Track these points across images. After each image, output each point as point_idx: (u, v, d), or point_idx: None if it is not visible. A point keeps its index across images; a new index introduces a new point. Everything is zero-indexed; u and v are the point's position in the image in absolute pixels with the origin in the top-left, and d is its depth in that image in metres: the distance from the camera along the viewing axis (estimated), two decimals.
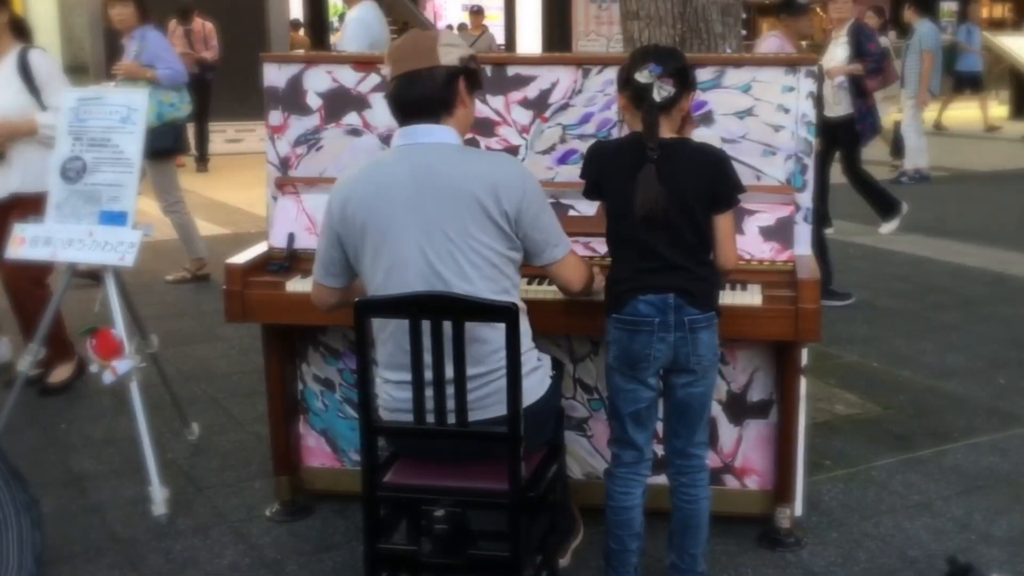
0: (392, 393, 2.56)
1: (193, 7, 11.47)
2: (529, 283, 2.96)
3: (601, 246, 2.91)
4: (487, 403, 2.48)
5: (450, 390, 2.39)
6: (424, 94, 2.52)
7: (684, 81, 2.65)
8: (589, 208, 2.99)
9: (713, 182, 2.64)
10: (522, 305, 2.61)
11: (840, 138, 7.06)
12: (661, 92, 2.60)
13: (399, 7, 17.15)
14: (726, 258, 2.71)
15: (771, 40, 5.98)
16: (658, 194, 2.57)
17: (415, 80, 2.53)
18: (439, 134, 2.54)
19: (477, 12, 14.98)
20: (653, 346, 2.64)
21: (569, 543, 3.09)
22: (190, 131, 12.02)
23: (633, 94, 2.64)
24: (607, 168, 2.69)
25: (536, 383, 2.60)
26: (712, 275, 2.70)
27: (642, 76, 2.60)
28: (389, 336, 2.53)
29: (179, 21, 11.42)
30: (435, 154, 2.52)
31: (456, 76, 2.55)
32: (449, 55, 2.53)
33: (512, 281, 2.56)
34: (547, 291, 2.93)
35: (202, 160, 11.98)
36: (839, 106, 7.05)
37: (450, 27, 17.03)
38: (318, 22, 16.57)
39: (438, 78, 2.52)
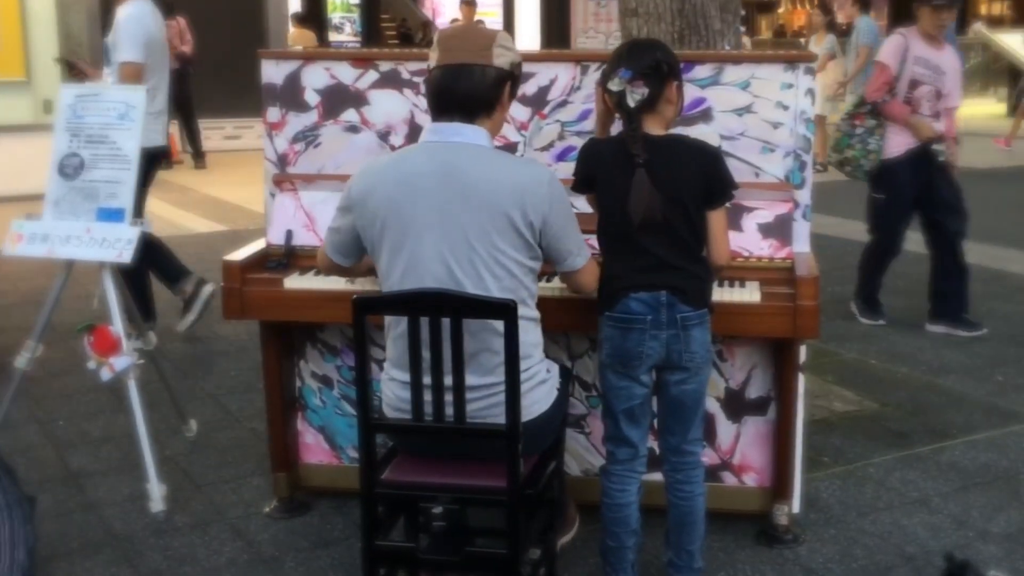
0: (398, 392, 2.55)
1: (174, 3, 11.44)
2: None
3: None
4: (495, 412, 2.47)
5: (450, 389, 2.38)
6: (471, 91, 2.48)
7: (660, 76, 2.63)
8: (588, 205, 2.99)
9: (706, 178, 2.64)
10: (537, 315, 2.60)
11: None
12: (634, 96, 2.59)
13: (397, 3, 17.14)
14: (719, 254, 2.71)
15: (894, 39, 5.37)
16: (652, 200, 2.56)
17: (464, 74, 2.48)
18: (469, 134, 2.50)
19: (469, 3, 14.21)
20: (645, 344, 2.63)
21: (559, 537, 3.08)
22: (176, 129, 12.03)
23: (613, 100, 2.65)
24: (602, 166, 2.68)
25: (543, 396, 2.60)
26: (705, 272, 2.70)
27: (613, 84, 2.61)
28: (401, 334, 2.50)
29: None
30: (464, 155, 2.48)
31: (505, 80, 2.53)
32: (503, 57, 2.50)
33: (529, 291, 2.55)
34: (545, 288, 2.92)
35: (198, 156, 11.96)
36: None
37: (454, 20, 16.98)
38: (317, 18, 16.56)
39: (488, 77, 2.49)
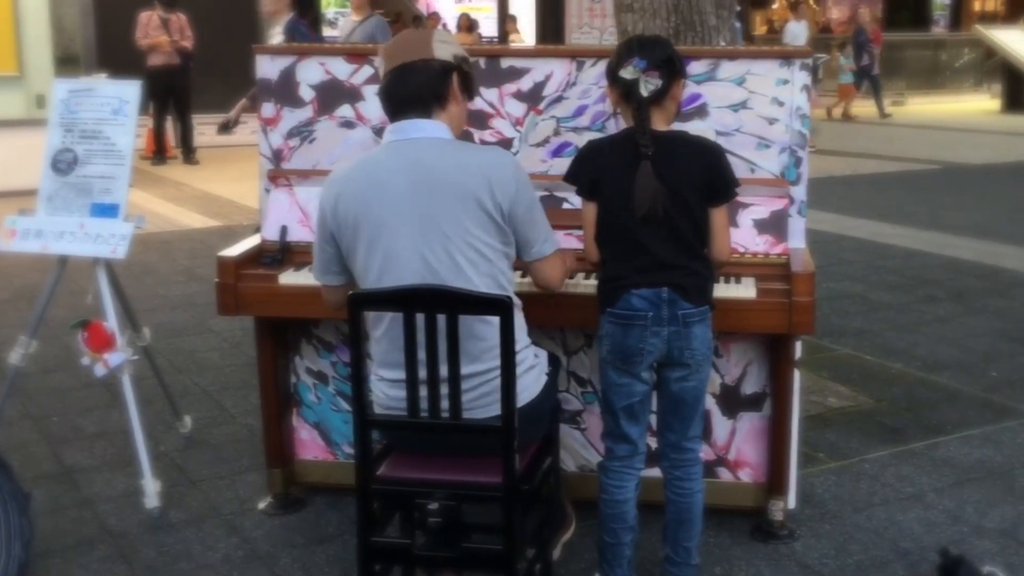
0: (387, 392, 2.55)
1: None
2: (523, 276, 2.95)
3: None
4: (485, 402, 2.47)
5: (445, 386, 2.38)
6: (418, 86, 2.51)
7: (671, 70, 2.64)
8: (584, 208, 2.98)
9: (709, 175, 2.63)
10: (517, 301, 2.60)
11: None
12: (648, 86, 2.59)
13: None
14: (719, 251, 2.71)
15: None
16: (656, 191, 2.56)
17: (409, 72, 2.51)
18: (430, 128, 2.52)
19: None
20: (646, 340, 2.63)
21: (560, 536, 3.08)
22: (169, 124, 11.98)
23: (621, 90, 2.64)
24: (604, 166, 2.67)
25: (532, 381, 2.59)
26: (706, 269, 2.70)
27: (627, 72, 2.60)
28: (384, 333, 2.51)
29: (163, 10, 11.36)
30: (427, 148, 2.50)
31: (450, 70, 2.54)
32: (444, 50, 2.53)
33: (507, 277, 2.55)
34: None
35: (188, 152, 11.90)
36: None
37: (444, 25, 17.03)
38: (311, 14, 16.53)
39: (432, 70, 2.51)
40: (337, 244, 2.56)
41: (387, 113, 2.59)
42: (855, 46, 17.04)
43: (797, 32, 16.11)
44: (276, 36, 6.47)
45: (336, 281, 2.63)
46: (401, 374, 2.42)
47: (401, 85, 2.52)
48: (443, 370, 2.36)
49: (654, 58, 2.60)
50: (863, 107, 17.10)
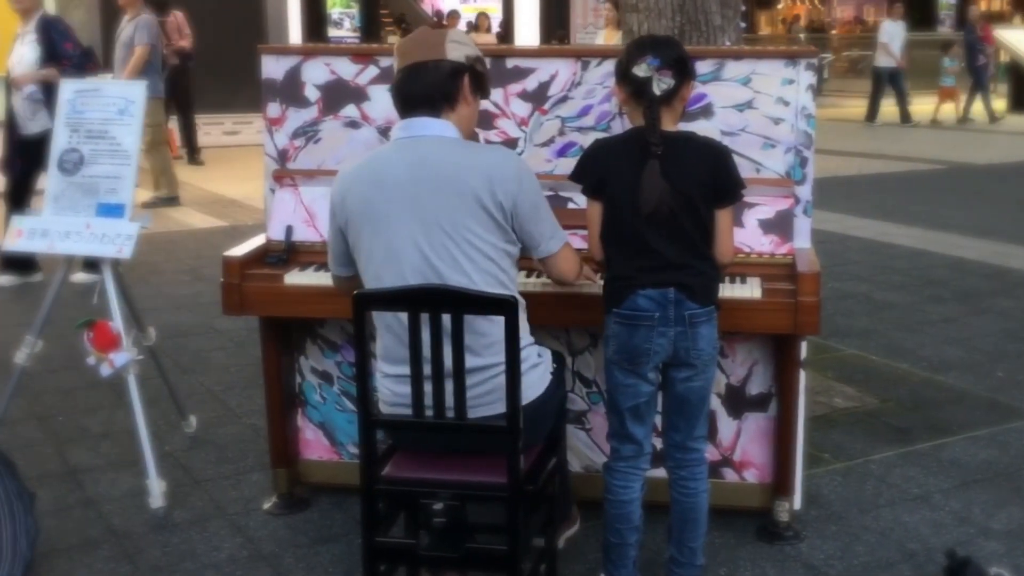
0: (391, 388, 2.55)
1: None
2: (528, 276, 2.95)
3: None
4: (488, 400, 2.47)
5: (449, 383, 2.38)
6: (428, 86, 2.53)
7: (683, 70, 2.64)
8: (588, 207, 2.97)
9: (715, 176, 2.63)
10: (521, 300, 2.60)
11: (41, 160, 5.49)
12: (660, 85, 2.59)
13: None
14: (723, 252, 2.70)
15: None
16: (663, 191, 2.55)
17: (420, 71, 2.54)
18: (437, 127, 2.54)
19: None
20: (653, 340, 2.63)
21: (563, 531, 3.07)
22: (173, 124, 12.00)
23: (632, 89, 2.63)
24: (611, 165, 2.66)
25: (536, 380, 2.59)
26: (712, 269, 2.69)
27: (640, 70, 2.59)
28: (385, 329, 2.53)
29: (157, 12, 11.37)
30: (433, 147, 2.52)
31: (461, 72, 2.56)
32: (456, 51, 2.55)
33: (509, 275, 2.55)
34: (546, 283, 2.92)
35: (192, 152, 11.91)
36: (35, 121, 5.77)
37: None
38: (315, 14, 16.54)
39: (443, 70, 2.53)
40: (345, 238, 2.58)
41: (397, 110, 2.61)
42: (966, 46, 16.22)
43: (894, 32, 15.44)
44: (28, 35, 5.99)
45: (347, 272, 2.67)
46: (403, 369, 2.43)
47: (411, 84, 2.55)
48: (448, 369, 2.36)
49: (667, 57, 2.60)
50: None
